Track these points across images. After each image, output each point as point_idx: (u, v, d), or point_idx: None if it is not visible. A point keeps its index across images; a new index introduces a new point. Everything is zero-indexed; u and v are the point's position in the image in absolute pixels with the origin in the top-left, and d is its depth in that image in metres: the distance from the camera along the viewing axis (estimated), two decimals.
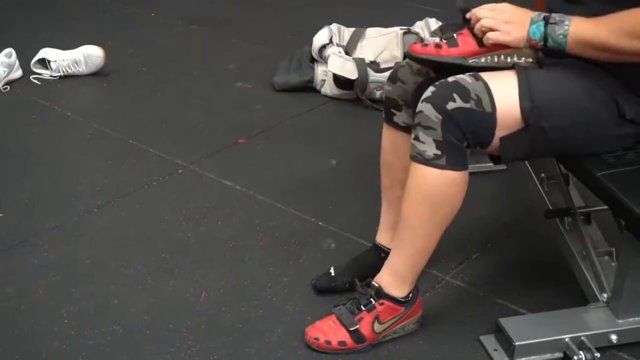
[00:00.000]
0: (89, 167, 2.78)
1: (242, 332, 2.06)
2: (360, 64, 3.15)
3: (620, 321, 1.99)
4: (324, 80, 3.25)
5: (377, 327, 1.98)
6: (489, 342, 2.01)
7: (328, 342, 1.98)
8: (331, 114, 3.17)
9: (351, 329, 1.98)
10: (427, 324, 2.07)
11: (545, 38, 1.81)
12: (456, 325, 2.08)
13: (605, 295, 2.03)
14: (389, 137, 2.13)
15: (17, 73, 3.34)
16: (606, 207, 1.95)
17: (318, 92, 3.28)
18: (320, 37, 3.28)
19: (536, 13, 1.84)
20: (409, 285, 1.98)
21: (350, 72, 3.16)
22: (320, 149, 2.90)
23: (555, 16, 1.80)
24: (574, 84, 1.85)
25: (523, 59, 1.89)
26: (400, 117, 2.08)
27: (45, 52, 3.36)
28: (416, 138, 1.83)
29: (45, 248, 2.35)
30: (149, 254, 2.33)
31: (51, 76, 3.36)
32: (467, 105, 1.79)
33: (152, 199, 2.60)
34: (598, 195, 1.91)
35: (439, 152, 1.81)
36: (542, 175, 2.36)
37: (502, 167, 2.68)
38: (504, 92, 1.81)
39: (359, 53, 3.22)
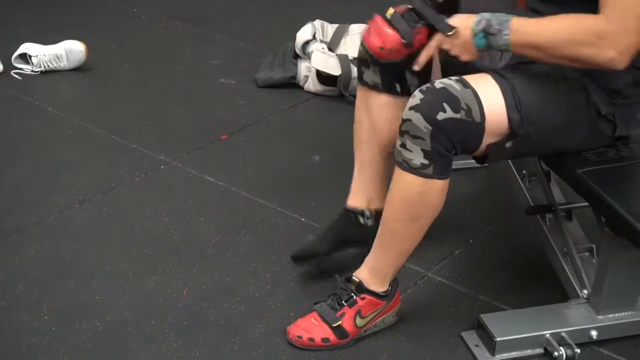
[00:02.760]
0: (71, 162, 2.76)
1: (225, 328, 2.05)
2: (344, 60, 3.15)
3: (600, 317, 2.00)
4: (307, 77, 3.25)
5: (359, 322, 1.99)
6: (471, 338, 2.02)
7: (311, 340, 1.98)
8: (314, 110, 3.17)
9: (334, 325, 1.98)
10: (409, 320, 2.08)
11: (490, 47, 1.81)
12: (438, 321, 2.09)
13: (585, 292, 2.04)
14: (360, 96, 2.17)
15: None
16: (587, 203, 1.96)
17: (301, 88, 3.28)
18: (303, 33, 3.27)
19: (475, 21, 1.80)
20: (389, 280, 1.99)
21: (333, 68, 3.16)
22: (304, 145, 2.90)
23: (494, 24, 1.78)
24: (553, 88, 1.86)
25: None
26: (369, 75, 2.11)
27: (26, 47, 3.33)
28: (403, 145, 1.82)
29: (26, 244, 2.33)
30: (130, 250, 2.33)
31: (32, 71, 3.33)
32: (458, 116, 1.77)
33: (134, 194, 2.59)
34: (579, 192, 1.92)
35: (426, 162, 1.80)
36: (524, 172, 2.37)
37: (485, 165, 2.69)
38: (492, 100, 1.81)
39: (342, 49, 3.22)
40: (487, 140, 1.83)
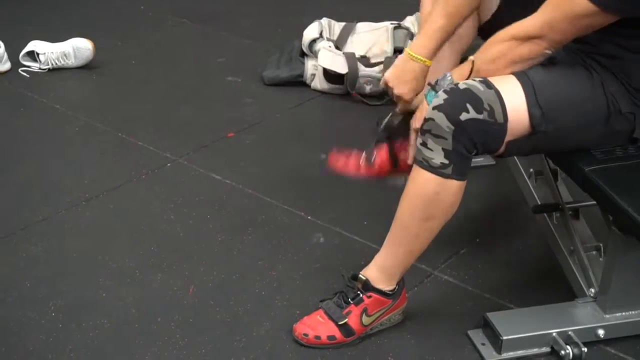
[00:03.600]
0: (77, 160, 2.77)
1: (231, 326, 2.05)
2: (351, 58, 3.15)
3: (607, 316, 2.00)
4: (314, 75, 3.25)
5: (365, 320, 1.99)
6: (477, 336, 2.01)
7: (317, 337, 1.98)
8: (321, 108, 3.17)
9: (340, 322, 1.98)
10: (415, 318, 2.07)
11: (437, 91, 1.88)
12: (444, 319, 2.09)
13: (592, 290, 2.03)
14: None
15: (6, 66, 3.33)
16: (594, 202, 1.96)
17: (308, 86, 3.28)
18: (310, 32, 3.27)
19: (426, 88, 1.94)
20: (396, 279, 1.99)
21: (340, 66, 3.15)
22: (310, 143, 2.90)
23: (437, 79, 1.91)
24: (574, 84, 1.85)
25: None
26: None
27: (34, 45, 3.34)
28: (424, 144, 1.82)
29: (32, 241, 2.34)
30: (137, 248, 2.33)
31: (40, 69, 3.34)
32: (481, 117, 1.78)
33: (141, 192, 2.60)
34: (586, 191, 1.91)
35: (446, 162, 1.81)
36: (531, 170, 2.36)
37: (491, 162, 2.68)
38: (514, 100, 1.81)
39: (349, 47, 3.21)
40: (508, 139, 1.83)
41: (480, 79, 1.83)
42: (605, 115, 1.87)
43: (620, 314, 2.00)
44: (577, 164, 1.90)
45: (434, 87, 1.91)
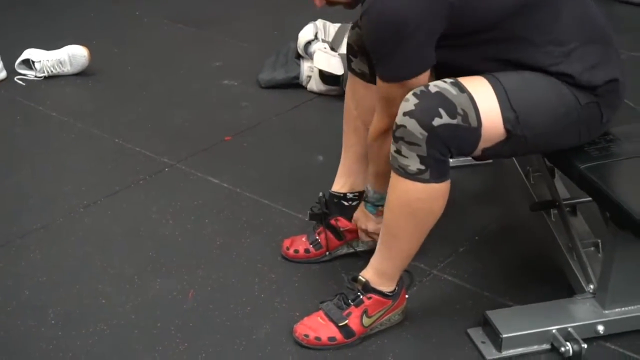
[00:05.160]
0: (75, 167, 2.77)
1: (231, 329, 2.05)
2: (346, 59, 3.14)
3: (606, 312, 2.00)
4: (309, 77, 3.25)
5: (366, 321, 1.99)
6: (477, 334, 2.01)
7: (318, 339, 1.98)
8: (317, 110, 3.17)
9: (340, 324, 1.98)
10: (415, 318, 2.07)
11: (375, 202, 2.12)
12: (444, 318, 2.09)
13: (591, 287, 2.03)
14: (350, 83, 2.21)
15: (1, 74, 3.33)
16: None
17: (304, 88, 3.28)
18: (305, 33, 3.28)
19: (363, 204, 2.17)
20: (395, 280, 1.99)
21: (336, 67, 3.16)
22: (307, 145, 2.90)
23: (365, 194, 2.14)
24: (543, 85, 1.85)
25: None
26: (357, 64, 2.15)
27: (29, 53, 3.35)
28: (398, 152, 1.80)
29: (31, 249, 2.34)
30: (135, 253, 2.33)
31: (36, 77, 3.34)
32: (454, 122, 1.75)
33: (139, 197, 2.60)
34: (582, 188, 1.92)
35: (422, 167, 1.78)
36: (528, 168, 2.36)
37: (488, 160, 2.68)
38: (487, 104, 1.79)
39: (344, 49, 3.20)
40: (483, 145, 1.82)
41: (452, 80, 1.80)
42: (575, 109, 1.86)
43: (619, 309, 2.00)
44: (572, 161, 1.91)
45: (366, 200, 2.14)
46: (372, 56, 1.88)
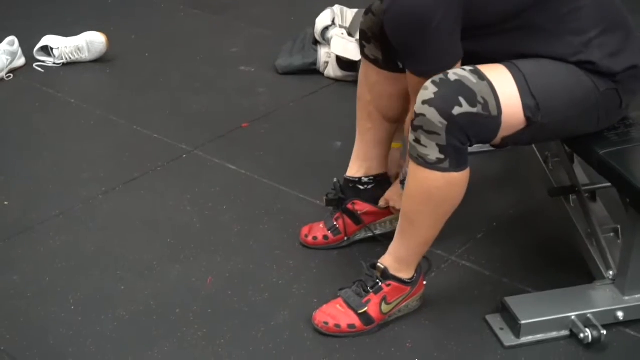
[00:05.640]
0: (93, 153, 2.78)
1: (249, 315, 2.06)
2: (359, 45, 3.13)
3: (626, 298, 1.99)
4: (327, 62, 3.24)
5: (385, 308, 1.99)
6: (495, 321, 2.01)
7: (337, 326, 1.98)
8: (335, 96, 3.16)
9: (359, 311, 1.98)
10: (433, 304, 2.07)
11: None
12: (462, 304, 2.09)
13: (611, 273, 2.02)
14: (363, 69, 2.19)
15: (20, 61, 3.34)
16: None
17: (321, 74, 3.27)
18: (322, 19, 3.26)
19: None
20: (413, 267, 1.99)
21: (353, 53, 3.14)
22: (325, 131, 2.90)
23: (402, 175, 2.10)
24: (561, 71, 1.83)
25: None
26: (370, 50, 2.12)
27: (47, 40, 3.36)
28: (417, 141, 1.78)
29: (50, 235, 2.35)
30: (154, 240, 2.34)
31: (54, 63, 3.35)
32: (474, 110, 1.74)
33: (157, 184, 2.61)
34: (601, 173, 1.91)
35: (442, 156, 1.77)
36: (547, 153, 2.35)
37: (507, 147, 2.66)
38: (507, 92, 1.78)
39: None
40: (503, 133, 1.81)
41: (471, 68, 1.78)
42: (594, 95, 1.85)
43: (639, 295, 1.99)
44: (591, 146, 1.89)
45: (403, 182, 2.07)
46: (400, 54, 1.86)
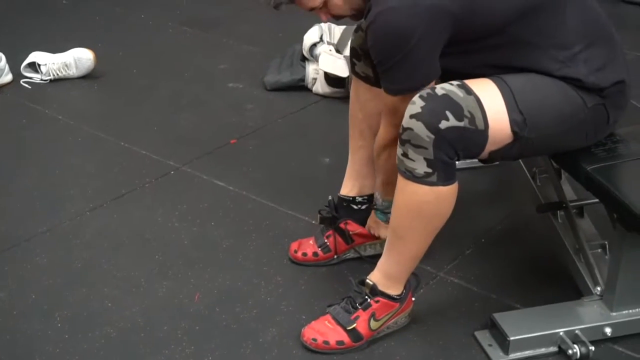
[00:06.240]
0: (81, 170, 2.77)
1: (237, 332, 2.05)
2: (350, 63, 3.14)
3: (614, 314, 1.99)
4: (315, 79, 3.25)
5: (373, 324, 1.98)
6: (484, 337, 2.01)
7: (326, 342, 1.98)
8: (323, 112, 3.17)
9: (348, 328, 1.97)
10: (422, 321, 2.07)
11: (384, 209, 2.13)
12: (450, 321, 2.08)
13: (599, 289, 2.03)
14: (354, 87, 2.21)
15: (7, 77, 3.33)
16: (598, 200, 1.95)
17: (309, 90, 3.28)
18: (310, 36, 3.28)
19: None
20: (402, 283, 1.98)
21: (341, 70, 3.15)
22: (313, 148, 2.90)
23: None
24: (549, 86, 1.84)
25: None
26: (361, 67, 2.14)
27: (35, 56, 3.35)
28: (405, 155, 1.79)
29: (37, 252, 2.34)
30: (142, 256, 2.33)
31: (41, 80, 3.35)
32: (461, 124, 1.75)
33: (145, 201, 2.60)
34: (589, 189, 1.91)
35: (429, 170, 1.78)
36: (534, 169, 2.36)
37: (494, 163, 2.67)
38: (494, 106, 1.79)
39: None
40: (490, 147, 1.81)
41: (458, 82, 1.79)
42: (582, 110, 1.85)
43: (627, 311, 2.00)
44: (579, 162, 1.90)
45: (376, 208, 2.15)
46: (377, 69, 1.88)
